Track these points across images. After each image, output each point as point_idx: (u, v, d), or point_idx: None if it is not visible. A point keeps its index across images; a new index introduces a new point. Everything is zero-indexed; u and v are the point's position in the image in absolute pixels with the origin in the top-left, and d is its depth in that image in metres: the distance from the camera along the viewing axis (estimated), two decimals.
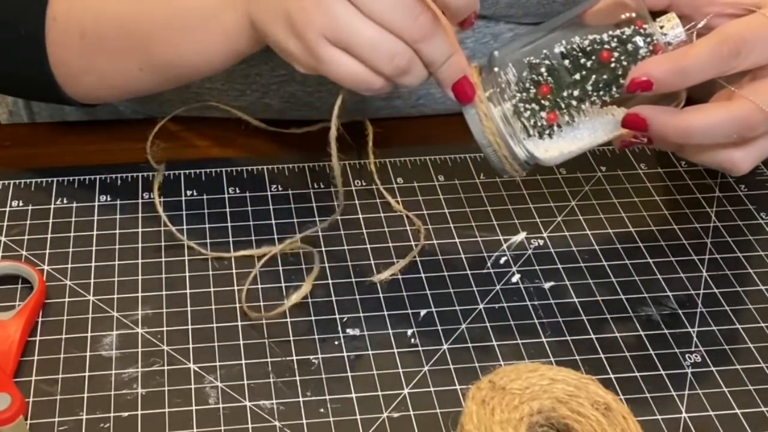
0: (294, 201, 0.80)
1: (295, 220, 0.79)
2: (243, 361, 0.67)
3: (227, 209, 0.79)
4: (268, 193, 0.81)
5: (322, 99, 0.88)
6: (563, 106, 0.65)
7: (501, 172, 0.69)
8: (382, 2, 0.62)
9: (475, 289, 0.73)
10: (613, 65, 0.64)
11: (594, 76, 0.65)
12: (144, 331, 0.69)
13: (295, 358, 0.68)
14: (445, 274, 0.74)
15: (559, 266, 0.75)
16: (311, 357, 0.68)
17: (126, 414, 0.64)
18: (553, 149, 0.67)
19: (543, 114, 0.65)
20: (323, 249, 0.76)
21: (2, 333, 0.67)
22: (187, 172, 0.83)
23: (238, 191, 0.81)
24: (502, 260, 0.76)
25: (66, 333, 0.69)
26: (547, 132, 0.66)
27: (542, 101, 0.65)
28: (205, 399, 0.65)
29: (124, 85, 0.80)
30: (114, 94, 0.83)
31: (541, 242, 0.77)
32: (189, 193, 0.81)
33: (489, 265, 0.75)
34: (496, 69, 0.66)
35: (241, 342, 0.69)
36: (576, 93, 0.65)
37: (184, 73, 0.77)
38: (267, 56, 0.77)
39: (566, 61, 0.65)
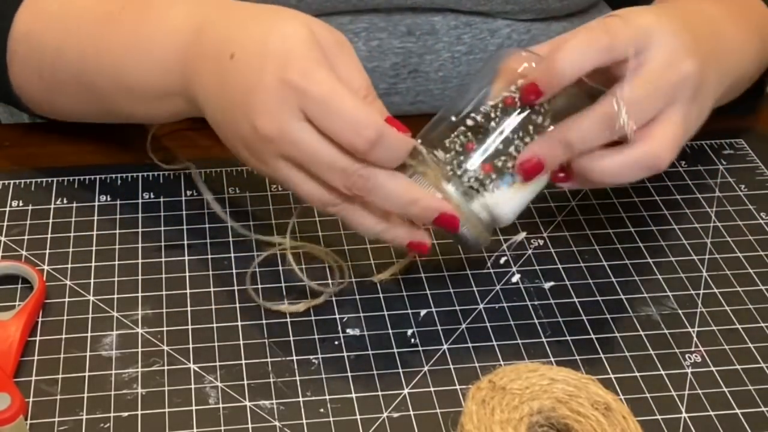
0: (294, 201, 0.80)
1: (295, 220, 0.79)
2: (243, 361, 0.67)
3: (227, 209, 0.79)
4: (268, 193, 0.81)
5: None
6: (492, 155, 0.68)
7: (473, 246, 0.70)
8: (335, 120, 0.63)
9: (475, 289, 0.73)
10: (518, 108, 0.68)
11: (506, 120, 0.68)
12: (144, 331, 0.69)
13: (295, 358, 0.68)
14: (445, 274, 0.74)
15: (559, 266, 0.75)
16: (311, 357, 0.68)
17: (126, 414, 0.64)
18: (504, 202, 0.69)
19: (478, 170, 0.68)
20: (323, 248, 0.76)
21: (2, 333, 0.67)
22: (187, 171, 0.83)
23: (238, 191, 0.81)
24: (502, 260, 0.76)
25: (66, 333, 0.69)
26: (489, 182, 0.68)
27: (471, 156, 0.68)
28: (205, 399, 0.65)
29: (83, 119, 0.83)
30: (75, 120, 0.84)
31: (541, 242, 0.77)
32: (189, 193, 0.81)
33: (489, 265, 0.75)
34: (434, 151, 0.68)
35: (241, 342, 0.69)
36: (499, 139, 0.68)
37: (138, 120, 0.80)
38: None
39: (479, 117, 0.68)
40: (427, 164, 0.67)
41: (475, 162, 0.68)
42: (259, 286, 0.73)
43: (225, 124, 0.68)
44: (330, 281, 0.73)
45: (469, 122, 0.68)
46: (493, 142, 0.68)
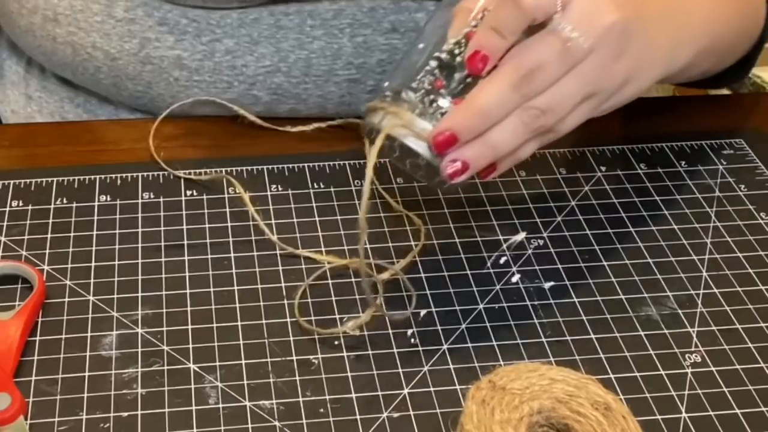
0: (294, 201, 0.80)
1: (294, 220, 0.79)
2: (243, 361, 0.67)
3: (227, 209, 0.79)
4: (268, 193, 0.81)
5: (308, 91, 0.88)
6: (461, 89, 0.66)
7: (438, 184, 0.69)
8: None
9: (475, 289, 0.73)
10: None
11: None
12: (144, 331, 0.69)
13: (295, 358, 0.68)
14: (445, 274, 0.74)
15: (559, 266, 0.75)
16: (311, 357, 0.68)
17: (126, 414, 0.64)
18: None
19: (446, 105, 0.66)
20: (323, 249, 0.76)
21: (2, 333, 0.67)
22: (187, 171, 0.83)
23: (237, 191, 0.81)
24: (502, 260, 0.76)
25: (66, 333, 0.69)
26: None
27: (442, 93, 0.66)
28: (205, 399, 0.65)
29: None
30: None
31: (541, 242, 0.77)
32: (189, 193, 0.81)
33: (489, 265, 0.75)
34: (402, 94, 0.67)
35: (241, 342, 0.69)
36: (465, 73, 0.66)
37: None
38: (252, 47, 0.77)
39: (443, 55, 0.67)
40: (398, 104, 0.66)
41: (445, 98, 0.66)
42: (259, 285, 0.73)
43: None
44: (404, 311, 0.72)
45: (433, 62, 0.67)
46: (461, 77, 0.67)
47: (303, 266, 0.74)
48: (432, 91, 0.67)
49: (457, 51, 0.67)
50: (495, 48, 0.66)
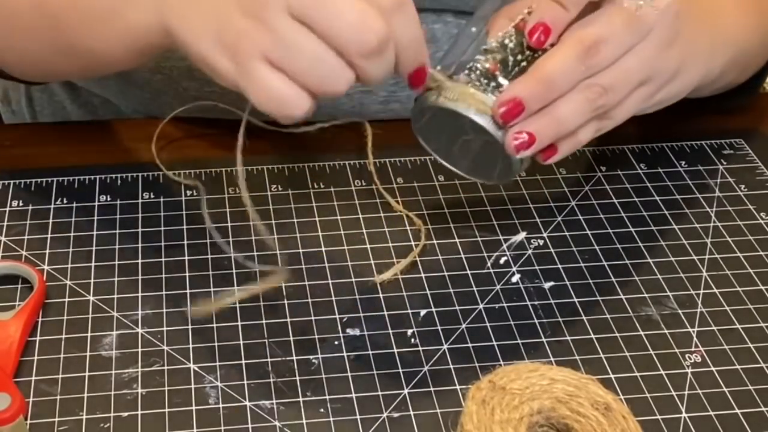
0: (294, 201, 0.80)
1: (295, 220, 0.79)
2: (243, 361, 0.67)
3: (227, 209, 0.79)
4: (268, 193, 0.81)
5: (319, 102, 0.88)
6: (516, 72, 0.66)
7: (515, 172, 0.68)
8: (328, 14, 0.59)
9: (475, 289, 0.73)
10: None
11: (524, 41, 0.66)
12: (144, 331, 0.69)
13: (295, 358, 0.68)
14: (445, 274, 0.74)
15: (559, 266, 0.75)
16: (311, 357, 0.68)
17: (126, 414, 0.64)
18: None
19: (503, 87, 0.66)
20: (323, 249, 0.76)
21: (2, 333, 0.67)
22: (186, 171, 0.83)
23: (238, 191, 0.81)
24: (502, 260, 0.76)
25: (66, 333, 0.69)
26: None
27: (497, 75, 0.66)
28: (205, 399, 0.65)
29: (45, 67, 0.79)
30: (38, 74, 0.82)
31: (541, 242, 0.77)
32: (189, 193, 0.81)
33: (489, 265, 0.75)
34: (455, 76, 0.67)
35: (241, 342, 0.69)
36: (519, 57, 0.66)
37: (94, 62, 0.75)
38: None
39: (494, 44, 0.67)
40: (455, 81, 0.66)
41: (502, 80, 0.66)
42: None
43: (197, 15, 0.63)
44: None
45: (486, 47, 0.67)
46: (515, 60, 0.66)
47: (303, 266, 0.74)
48: (487, 74, 0.66)
49: (507, 41, 0.67)
50: (558, 20, 0.66)
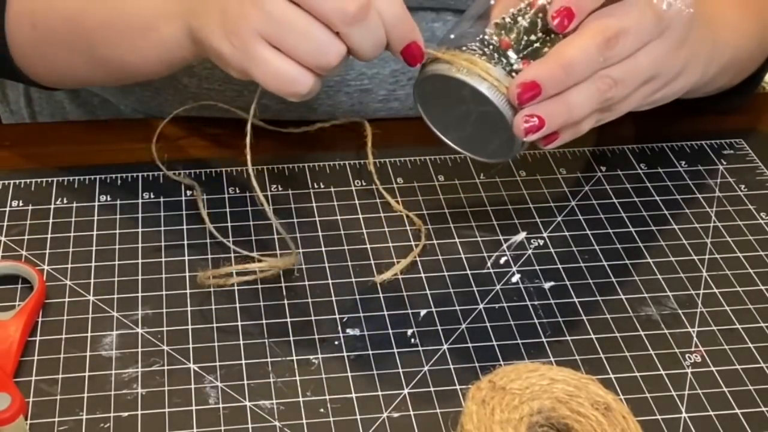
0: (294, 201, 0.80)
1: (295, 220, 0.79)
2: (243, 361, 0.67)
3: (227, 209, 0.79)
4: (268, 193, 0.81)
5: (318, 101, 0.88)
6: (528, 52, 0.66)
7: (515, 152, 0.67)
8: None
9: (475, 289, 0.73)
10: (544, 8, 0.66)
11: (539, 21, 0.66)
12: (144, 331, 0.69)
13: (295, 358, 0.68)
14: (445, 274, 0.74)
15: (559, 266, 0.75)
16: (311, 357, 0.68)
17: (126, 414, 0.64)
18: None
19: (515, 62, 0.65)
20: (323, 249, 0.76)
21: (2, 333, 0.67)
22: (187, 171, 0.83)
23: (238, 191, 0.81)
24: (502, 260, 0.76)
25: (66, 333, 0.69)
26: None
27: (509, 51, 0.66)
28: (205, 399, 0.65)
29: (73, 76, 0.82)
30: (68, 83, 0.85)
31: (541, 242, 0.77)
32: (189, 193, 0.81)
33: (489, 265, 0.75)
34: (463, 48, 0.66)
35: (241, 342, 0.69)
36: (533, 37, 0.66)
37: (126, 73, 0.79)
38: None
39: (508, 20, 0.66)
40: (465, 53, 0.65)
41: (513, 56, 0.65)
42: (260, 286, 0.73)
43: (210, 10, 0.68)
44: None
45: (499, 21, 0.66)
46: (527, 39, 0.66)
47: (303, 266, 0.74)
48: (498, 49, 0.66)
49: (520, 18, 0.66)
50: (583, 7, 0.65)
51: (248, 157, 0.69)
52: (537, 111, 0.64)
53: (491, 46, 0.66)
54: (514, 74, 0.65)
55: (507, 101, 0.64)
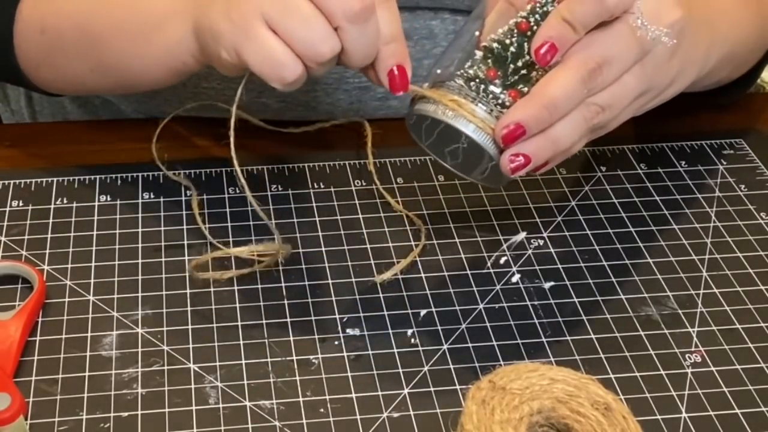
0: (294, 201, 0.80)
1: (295, 220, 0.79)
2: (243, 361, 0.67)
3: (227, 209, 0.79)
4: (268, 193, 0.81)
5: (317, 99, 0.88)
6: (515, 80, 0.66)
7: (501, 180, 0.68)
8: None
9: (475, 289, 0.73)
10: (532, 32, 0.66)
11: (527, 45, 0.66)
12: (144, 331, 0.69)
13: (295, 358, 0.68)
14: (445, 274, 0.74)
15: (559, 266, 0.75)
16: (311, 357, 0.68)
17: (126, 414, 0.64)
18: None
19: (501, 95, 0.66)
20: (323, 249, 0.76)
21: (2, 333, 0.67)
22: (187, 171, 0.83)
23: (238, 191, 0.81)
24: (502, 260, 0.76)
25: (66, 333, 0.69)
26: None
27: (495, 83, 0.66)
28: (205, 399, 0.65)
29: (78, 82, 0.82)
30: (72, 89, 0.86)
31: (541, 242, 0.77)
32: (189, 193, 0.81)
33: (489, 265, 0.75)
34: (448, 82, 0.67)
35: (241, 342, 0.69)
36: (519, 64, 0.66)
37: (130, 80, 0.79)
38: None
39: (495, 45, 0.66)
40: (451, 91, 0.66)
41: (499, 88, 0.66)
42: (259, 285, 0.73)
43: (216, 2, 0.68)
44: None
45: (482, 52, 0.66)
46: (514, 67, 0.66)
47: (303, 266, 0.74)
48: (485, 81, 0.66)
49: (508, 41, 0.66)
50: (566, 41, 0.65)
51: (231, 140, 0.68)
52: (522, 149, 0.65)
53: (478, 79, 0.66)
54: (500, 107, 0.65)
55: (493, 141, 0.65)
